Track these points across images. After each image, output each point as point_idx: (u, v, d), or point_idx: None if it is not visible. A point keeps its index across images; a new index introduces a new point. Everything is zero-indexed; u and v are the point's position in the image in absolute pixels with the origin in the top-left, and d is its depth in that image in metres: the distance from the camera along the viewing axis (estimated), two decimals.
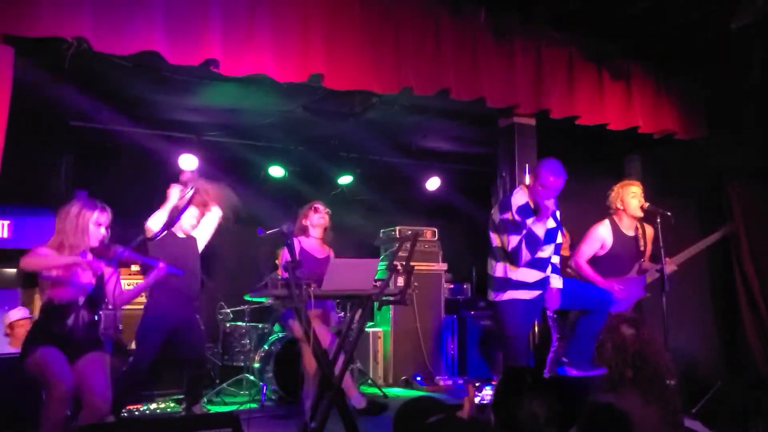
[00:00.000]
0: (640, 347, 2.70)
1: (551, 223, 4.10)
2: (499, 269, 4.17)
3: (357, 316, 4.08)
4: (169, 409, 5.38)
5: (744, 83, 5.32)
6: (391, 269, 4.01)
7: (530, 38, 5.07)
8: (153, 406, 5.43)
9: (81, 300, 3.57)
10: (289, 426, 4.86)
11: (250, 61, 3.96)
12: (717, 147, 5.99)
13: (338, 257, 4.74)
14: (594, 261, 4.69)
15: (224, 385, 6.00)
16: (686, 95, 5.89)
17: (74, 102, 5.37)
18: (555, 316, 4.86)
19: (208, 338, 6.20)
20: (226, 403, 5.80)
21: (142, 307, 4.80)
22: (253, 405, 5.47)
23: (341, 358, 3.97)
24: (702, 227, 5.81)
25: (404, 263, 4.04)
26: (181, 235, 4.76)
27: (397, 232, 7.18)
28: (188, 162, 6.59)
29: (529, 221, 4.01)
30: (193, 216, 4.76)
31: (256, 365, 6.01)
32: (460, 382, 6.78)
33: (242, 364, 6.17)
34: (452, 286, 7.65)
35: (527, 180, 4.76)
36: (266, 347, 5.97)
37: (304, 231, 5.01)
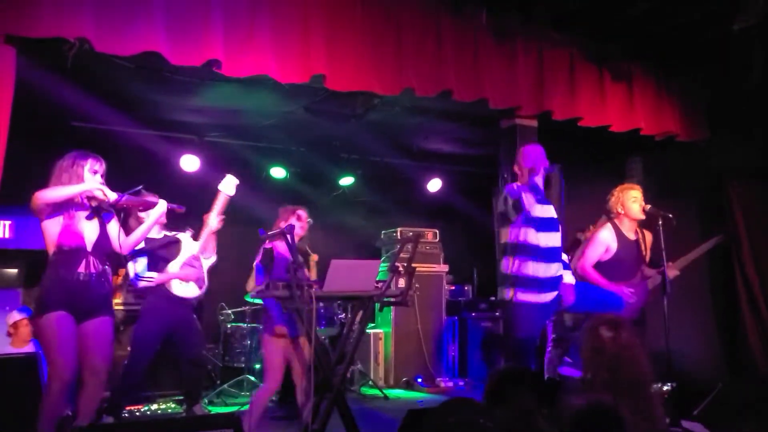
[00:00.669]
0: (618, 351, 2.69)
1: (551, 211, 4.09)
2: (508, 265, 4.10)
3: (358, 318, 4.07)
4: (169, 410, 5.39)
5: (744, 84, 5.31)
6: (393, 270, 4.01)
7: (532, 39, 5.06)
8: (153, 407, 5.43)
9: (89, 246, 3.58)
10: (290, 427, 4.86)
11: (251, 61, 3.96)
12: (718, 147, 5.98)
13: (339, 258, 4.72)
14: (599, 266, 4.66)
15: (225, 386, 6.00)
16: (687, 97, 5.89)
17: (76, 102, 5.36)
18: (552, 318, 4.85)
19: (209, 339, 6.21)
20: (227, 404, 5.80)
21: (139, 308, 4.83)
22: None
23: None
24: (703, 228, 5.81)
25: (406, 264, 4.04)
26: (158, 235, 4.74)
27: (399, 234, 7.19)
28: (190, 163, 6.61)
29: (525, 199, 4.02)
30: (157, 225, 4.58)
31: (257, 366, 6.02)
32: (461, 383, 6.78)
33: (243, 365, 6.17)
34: (453, 287, 7.65)
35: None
36: None
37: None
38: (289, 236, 3.83)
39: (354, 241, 7.88)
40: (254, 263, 4.67)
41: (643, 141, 5.73)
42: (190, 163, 6.62)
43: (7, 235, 6.05)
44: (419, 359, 6.98)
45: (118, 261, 4.47)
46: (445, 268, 7.38)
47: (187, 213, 4.29)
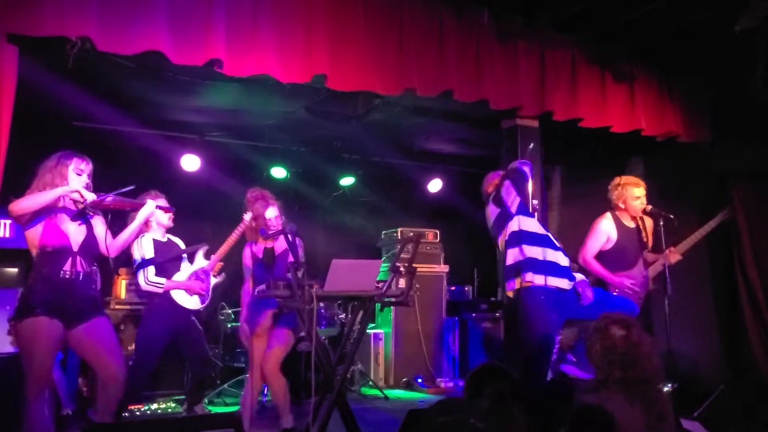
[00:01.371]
0: (629, 349, 2.69)
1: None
2: (510, 257, 4.10)
3: (359, 318, 4.06)
4: (170, 410, 5.38)
5: (749, 86, 5.30)
6: (394, 270, 4.00)
7: (533, 40, 5.07)
8: (154, 406, 5.43)
9: (75, 247, 3.45)
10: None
11: (253, 61, 3.96)
12: (721, 149, 5.98)
13: (340, 258, 4.72)
14: (600, 256, 4.67)
15: (225, 385, 5.99)
16: (690, 98, 5.89)
17: (77, 102, 5.37)
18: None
19: (209, 339, 6.20)
20: (227, 404, 5.80)
21: (141, 308, 4.82)
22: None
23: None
24: None
25: (406, 265, 4.03)
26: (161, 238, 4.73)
27: (399, 234, 7.18)
28: (191, 162, 6.61)
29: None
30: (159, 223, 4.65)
31: None
32: (461, 384, 6.77)
33: (243, 365, 6.16)
34: (454, 288, 7.65)
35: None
36: None
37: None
38: (290, 236, 3.83)
39: (354, 242, 7.88)
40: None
41: (645, 142, 5.73)
42: (190, 162, 6.62)
43: (7, 235, 6.04)
44: (419, 359, 6.98)
45: (119, 260, 4.44)
46: (445, 268, 7.37)
47: (189, 214, 4.28)
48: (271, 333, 4.34)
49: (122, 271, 5.69)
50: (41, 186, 3.42)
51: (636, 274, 4.68)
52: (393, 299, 4.03)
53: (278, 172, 7.36)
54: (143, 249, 4.52)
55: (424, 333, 7.04)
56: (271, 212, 4.41)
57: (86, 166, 3.56)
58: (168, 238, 4.74)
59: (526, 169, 4.22)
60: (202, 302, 4.76)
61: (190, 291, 4.65)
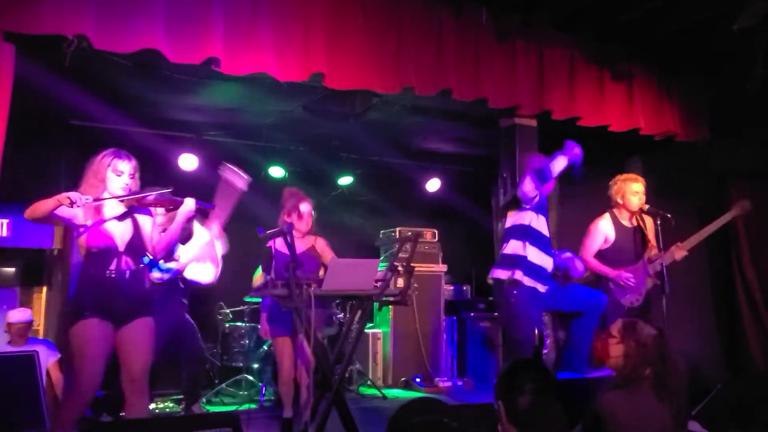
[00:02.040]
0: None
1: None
2: (511, 247, 4.27)
3: (357, 317, 4.05)
4: (167, 409, 5.37)
5: (747, 85, 5.31)
6: (392, 270, 4.00)
7: (532, 39, 5.07)
8: (152, 405, 5.41)
9: (121, 246, 3.40)
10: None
11: (251, 59, 3.96)
12: (719, 148, 5.98)
13: (338, 258, 4.71)
14: (599, 255, 4.71)
15: (223, 385, 5.98)
16: (688, 97, 5.89)
17: (74, 101, 5.35)
18: (546, 317, 4.90)
19: (207, 339, 6.19)
20: (224, 404, 5.79)
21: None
22: (252, 405, 5.45)
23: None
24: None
25: (405, 264, 4.03)
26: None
27: (397, 233, 7.17)
28: (189, 161, 6.60)
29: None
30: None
31: (255, 366, 6.00)
32: (460, 383, 6.77)
33: (241, 365, 6.15)
34: (452, 287, 7.64)
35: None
36: (265, 348, 5.96)
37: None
38: (288, 235, 3.82)
39: (353, 241, 7.86)
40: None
41: (643, 141, 5.73)
42: (188, 161, 6.61)
43: (4, 234, 6.03)
44: (418, 359, 6.96)
45: None
46: (443, 267, 7.36)
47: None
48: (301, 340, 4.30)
49: None
50: (86, 188, 3.38)
51: (633, 270, 4.69)
52: (391, 298, 4.03)
53: (276, 172, 7.35)
54: None
55: (423, 332, 7.02)
56: (305, 207, 4.54)
57: (126, 166, 3.43)
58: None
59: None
60: (216, 267, 4.68)
61: (202, 259, 4.58)
